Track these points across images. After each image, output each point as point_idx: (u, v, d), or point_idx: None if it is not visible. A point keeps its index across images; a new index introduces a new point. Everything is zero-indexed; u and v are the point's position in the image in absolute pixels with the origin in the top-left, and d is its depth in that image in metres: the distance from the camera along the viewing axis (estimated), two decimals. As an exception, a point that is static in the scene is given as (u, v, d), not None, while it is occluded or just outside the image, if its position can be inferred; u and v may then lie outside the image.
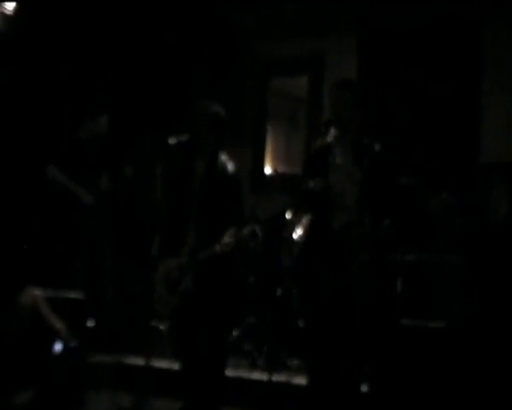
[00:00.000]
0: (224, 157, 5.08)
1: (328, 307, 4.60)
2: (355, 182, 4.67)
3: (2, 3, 7.16)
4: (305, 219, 6.12)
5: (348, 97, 4.79)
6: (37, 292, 5.14)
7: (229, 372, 5.73)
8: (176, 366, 5.19)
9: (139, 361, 5.83)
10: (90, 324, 6.30)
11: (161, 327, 6.42)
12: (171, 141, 5.10)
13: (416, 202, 4.72)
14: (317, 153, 4.86)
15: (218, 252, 4.78)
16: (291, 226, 6.77)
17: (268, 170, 8.67)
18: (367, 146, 4.75)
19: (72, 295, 5.57)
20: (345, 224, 4.63)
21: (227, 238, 4.77)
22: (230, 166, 5.06)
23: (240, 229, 4.82)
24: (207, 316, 4.91)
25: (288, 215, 6.76)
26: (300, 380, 5.87)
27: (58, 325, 5.09)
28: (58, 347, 5.08)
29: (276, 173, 8.31)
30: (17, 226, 6.94)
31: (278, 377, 5.86)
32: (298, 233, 6.71)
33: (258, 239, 5.58)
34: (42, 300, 5.13)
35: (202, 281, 4.87)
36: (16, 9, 7.22)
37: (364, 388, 5.11)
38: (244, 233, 4.84)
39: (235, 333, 6.50)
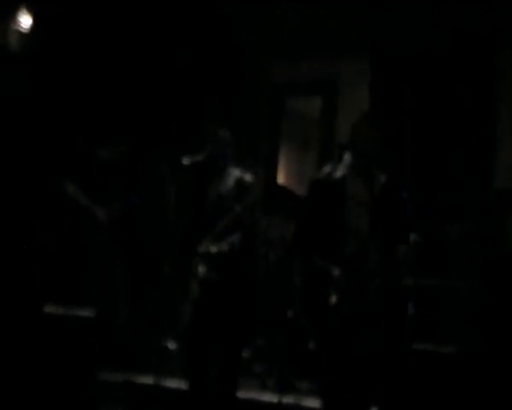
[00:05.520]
0: (238, 171, 5.18)
1: (340, 331, 4.60)
2: (367, 210, 4.68)
3: (18, 20, 7.20)
4: None
5: (377, 135, 4.78)
6: None
7: (240, 394, 5.72)
8: (185, 385, 5.19)
9: (149, 380, 5.82)
10: (102, 342, 6.29)
11: (171, 346, 6.44)
12: (185, 161, 5.13)
13: (431, 228, 4.72)
14: (327, 180, 4.84)
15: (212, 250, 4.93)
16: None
17: (280, 190, 8.66)
18: (377, 176, 4.77)
19: (84, 313, 5.57)
20: (358, 251, 4.63)
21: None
22: (246, 178, 5.17)
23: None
24: (217, 336, 4.92)
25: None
26: (310, 402, 5.86)
27: None
28: None
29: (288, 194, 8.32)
30: (28, 240, 6.96)
31: (288, 399, 5.85)
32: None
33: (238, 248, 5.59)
34: None
35: (208, 285, 4.93)
36: (33, 27, 7.26)
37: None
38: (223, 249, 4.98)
39: (245, 354, 6.48)
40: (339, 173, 4.74)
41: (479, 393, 5.19)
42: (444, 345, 5.39)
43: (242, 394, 5.86)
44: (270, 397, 5.97)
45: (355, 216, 4.66)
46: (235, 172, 5.21)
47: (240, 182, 5.15)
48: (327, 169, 4.80)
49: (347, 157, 4.76)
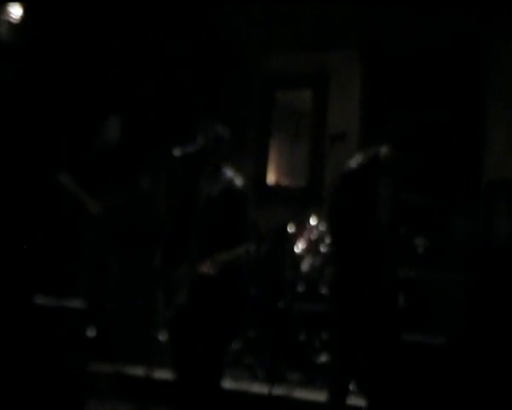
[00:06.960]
0: (229, 173, 5.10)
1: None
2: (393, 205, 4.82)
3: (8, 11, 7.18)
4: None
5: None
6: None
7: (230, 385, 5.75)
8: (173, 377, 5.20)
9: (139, 371, 5.83)
10: (91, 333, 6.30)
11: (160, 338, 6.44)
12: (176, 153, 5.07)
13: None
14: (358, 173, 4.90)
15: (204, 272, 4.83)
16: (293, 239, 6.79)
17: (270, 183, 8.67)
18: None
19: (74, 304, 5.57)
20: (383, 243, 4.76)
21: (216, 258, 4.83)
22: (236, 183, 5.05)
23: (233, 249, 4.89)
24: (203, 328, 4.91)
25: (290, 228, 6.78)
26: (301, 394, 5.89)
27: None
28: None
29: (278, 186, 8.34)
30: (22, 232, 6.96)
31: (278, 391, 5.86)
32: (300, 246, 6.74)
33: (253, 258, 5.59)
34: None
35: (197, 295, 4.89)
36: (23, 17, 7.24)
37: (364, 402, 5.11)
38: (238, 253, 4.92)
39: (235, 345, 6.50)
40: (371, 167, 4.81)
41: (467, 383, 5.22)
42: (433, 337, 5.42)
43: (233, 384, 5.89)
44: (260, 388, 5.98)
45: (383, 210, 4.76)
46: (227, 174, 5.08)
47: (229, 187, 5.03)
48: (358, 160, 4.87)
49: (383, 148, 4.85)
